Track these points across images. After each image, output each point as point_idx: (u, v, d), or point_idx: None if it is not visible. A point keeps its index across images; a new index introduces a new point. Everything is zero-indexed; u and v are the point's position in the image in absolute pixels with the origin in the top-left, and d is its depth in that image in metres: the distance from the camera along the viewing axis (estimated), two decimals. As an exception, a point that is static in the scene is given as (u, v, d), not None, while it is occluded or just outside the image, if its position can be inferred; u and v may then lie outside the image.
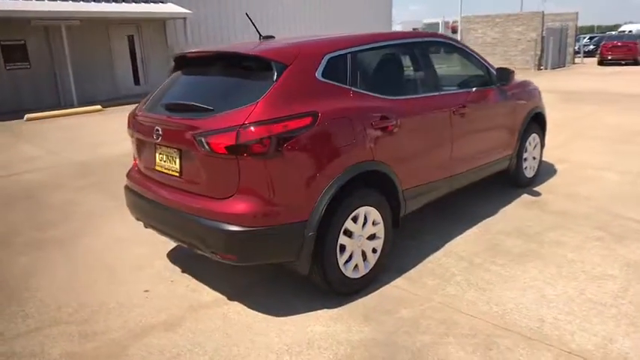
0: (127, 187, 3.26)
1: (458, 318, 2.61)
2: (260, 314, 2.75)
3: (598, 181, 4.91)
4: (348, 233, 2.76)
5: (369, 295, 2.88)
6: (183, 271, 3.33)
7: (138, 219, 3.20)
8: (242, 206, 2.44)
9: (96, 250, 3.77)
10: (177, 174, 2.75)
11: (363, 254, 2.89)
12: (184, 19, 15.79)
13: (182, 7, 16.02)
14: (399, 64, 3.38)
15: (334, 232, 2.66)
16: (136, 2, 15.53)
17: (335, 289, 2.78)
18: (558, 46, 22.48)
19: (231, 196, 2.48)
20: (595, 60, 24.02)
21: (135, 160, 3.31)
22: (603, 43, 23.77)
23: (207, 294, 3.02)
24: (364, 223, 2.84)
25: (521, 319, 2.57)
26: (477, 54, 4.04)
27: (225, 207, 2.48)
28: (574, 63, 24.83)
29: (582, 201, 4.34)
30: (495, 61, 23.25)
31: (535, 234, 3.65)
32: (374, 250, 2.96)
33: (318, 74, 2.69)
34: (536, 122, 4.67)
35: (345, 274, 2.78)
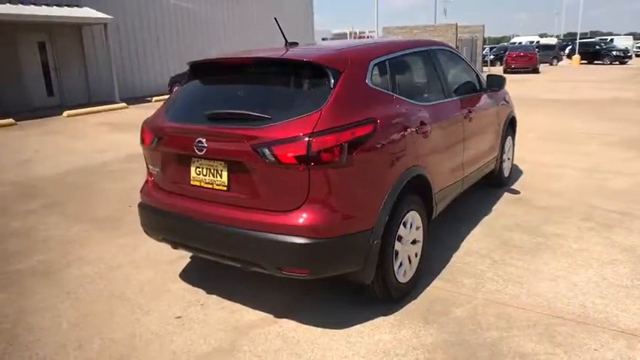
0: (144, 206, 3.01)
1: (510, 312, 2.77)
2: (317, 329, 2.69)
3: (561, 177, 5.46)
4: (399, 239, 2.81)
5: (417, 299, 2.94)
6: (208, 293, 3.14)
7: (163, 239, 2.97)
8: (314, 217, 2.38)
9: (93, 280, 3.41)
10: (224, 188, 2.60)
11: (409, 259, 2.95)
12: (104, 25, 14.79)
13: (101, 12, 14.99)
14: (424, 70, 3.52)
15: (392, 239, 2.69)
16: (47, 5, 14.24)
17: (392, 296, 2.81)
18: (470, 56, 24.52)
19: (299, 207, 2.40)
20: (497, 68, 26.63)
21: (150, 175, 3.07)
22: (508, 52, 26.42)
23: (249, 313, 2.88)
24: (410, 228, 2.91)
25: (566, 306, 2.80)
26: (469, 62, 4.33)
27: (294, 219, 2.40)
28: (482, 72, 27.27)
29: (558, 196, 4.80)
30: (415, 70, 24.73)
31: (535, 228, 3.98)
32: (415, 255, 3.03)
33: (367, 80, 2.72)
34: (511, 125, 5.09)
35: (398, 279, 2.82)
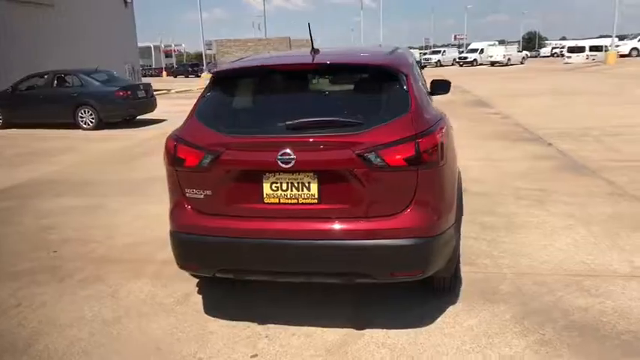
0: (189, 238, 2.61)
1: (541, 279, 3.26)
2: (408, 330, 2.74)
3: (471, 168, 6.43)
4: (456, 230, 3.05)
5: (462, 285, 3.22)
6: (261, 323, 2.87)
7: (221, 272, 2.62)
8: (422, 217, 2.45)
9: (100, 344, 2.77)
10: (313, 201, 2.46)
11: (453, 249, 3.21)
12: None
13: None
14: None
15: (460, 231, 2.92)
16: None
17: (453, 287, 3.02)
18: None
19: (405, 209, 2.44)
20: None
21: (187, 201, 2.66)
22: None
23: (327, 333, 2.75)
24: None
25: (573, 266, 3.42)
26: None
27: (403, 221, 2.42)
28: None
29: (483, 183, 5.67)
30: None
31: (492, 211, 4.66)
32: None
33: (419, 82, 2.90)
34: None
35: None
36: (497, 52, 48.64)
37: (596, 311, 2.84)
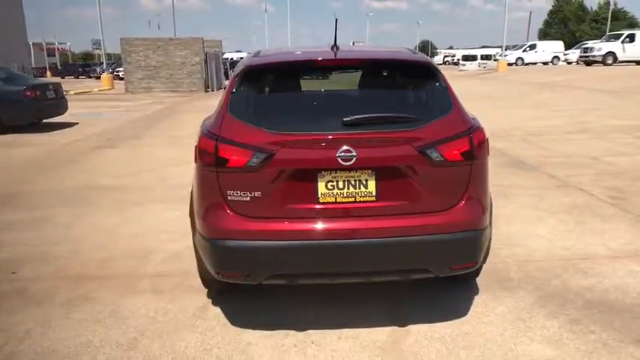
0: (234, 245, 2.44)
1: (543, 265, 3.54)
2: (449, 322, 2.82)
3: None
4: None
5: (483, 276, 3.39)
6: (300, 330, 2.77)
7: (272, 277, 2.49)
8: (475, 210, 2.55)
9: (126, 368, 2.48)
10: (371, 199, 2.44)
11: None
12: None
13: None
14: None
15: None
16: None
17: (475, 277, 3.17)
18: (216, 70, 25.48)
19: (459, 203, 2.52)
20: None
21: (228, 206, 2.48)
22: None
23: (371, 333, 2.74)
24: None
25: (565, 251, 3.77)
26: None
27: (459, 215, 2.50)
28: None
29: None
30: (162, 85, 24.06)
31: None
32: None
33: None
34: None
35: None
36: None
37: (601, 290, 3.17)
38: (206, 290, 3.25)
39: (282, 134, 2.41)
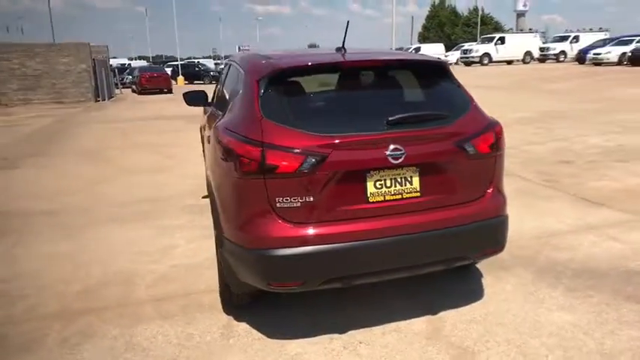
0: (291, 251, 2.40)
1: (522, 244, 3.95)
2: (474, 305, 3.04)
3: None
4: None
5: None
6: (342, 332, 2.80)
7: (328, 282, 2.50)
8: (500, 198, 2.81)
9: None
10: (416, 194, 2.56)
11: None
12: None
13: None
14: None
15: None
16: None
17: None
18: (105, 77, 23.65)
19: (487, 192, 2.75)
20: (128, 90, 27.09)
21: (275, 213, 2.43)
22: (141, 74, 26.88)
23: (411, 325, 2.87)
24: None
25: (532, 230, 4.23)
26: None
27: (490, 203, 2.74)
28: (120, 93, 26.90)
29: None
30: (44, 95, 21.79)
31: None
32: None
33: None
34: None
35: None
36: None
37: (580, 260, 3.64)
38: (220, 307, 3.12)
39: (331, 137, 2.43)
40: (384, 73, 2.91)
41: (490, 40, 33.26)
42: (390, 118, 2.52)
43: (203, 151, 5.25)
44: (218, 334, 2.85)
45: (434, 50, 40.23)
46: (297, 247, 2.42)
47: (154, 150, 9.09)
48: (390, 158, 2.45)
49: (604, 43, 27.61)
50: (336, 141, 2.43)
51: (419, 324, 2.87)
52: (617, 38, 27.00)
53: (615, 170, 6.14)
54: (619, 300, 3.05)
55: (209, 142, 3.27)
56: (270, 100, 2.59)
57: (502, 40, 32.16)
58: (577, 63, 27.92)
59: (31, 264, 4.00)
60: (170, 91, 26.59)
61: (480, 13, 51.86)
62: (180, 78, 35.19)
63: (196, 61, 49.48)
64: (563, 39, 33.77)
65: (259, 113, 2.53)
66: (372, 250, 2.49)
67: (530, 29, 39.10)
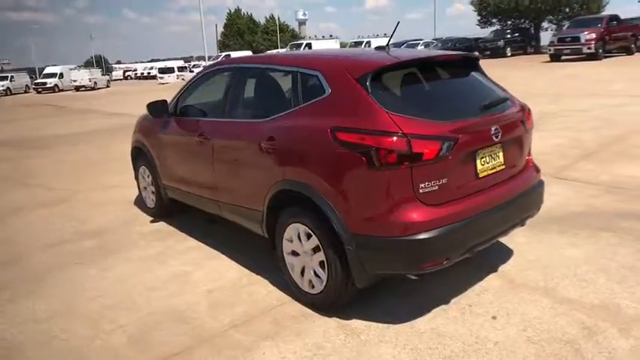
0: (439, 231, 2.64)
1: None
2: (501, 270, 3.68)
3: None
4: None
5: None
6: (388, 324, 3.12)
7: (465, 253, 2.81)
8: (536, 165, 3.48)
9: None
10: (502, 167, 3.05)
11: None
12: None
13: None
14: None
15: None
16: None
17: None
18: None
19: (529, 161, 3.40)
20: None
21: (415, 198, 2.63)
22: None
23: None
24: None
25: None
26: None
27: (535, 169, 3.40)
28: None
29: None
30: None
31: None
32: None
33: None
34: None
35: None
36: (83, 76, 47.28)
37: (550, 209, 4.61)
38: (309, 313, 3.11)
39: (453, 122, 2.74)
40: (456, 66, 3.34)
41: (298, 46, 35.90)
42: (485, 103, 2.97)
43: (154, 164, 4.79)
44: (343, 335, 2.86)
45: (242, 57, 41.35)
46: (441, 226, 2.65)
47: (19, 182, 7.48)
48: (493, 137, 2.89)
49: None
50: (459, 126, 2.76)
51: (495, 280, 3.36)
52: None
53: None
54: (603, 230, 4.06)
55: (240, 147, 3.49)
56: (383, 94, 2.77)
57: (309, 47, 35.06)
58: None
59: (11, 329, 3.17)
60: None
61: (278, 22, 55.15)
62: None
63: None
64: (298, 46, 37.13)
65: (381, 107, 2.68)
66: (488, 218, 2.89)
67: (330, 35, 43.55)
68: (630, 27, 22.14)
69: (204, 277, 3.78)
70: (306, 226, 3.00)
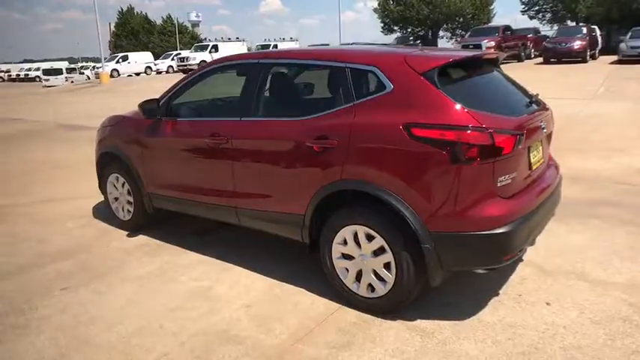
0: (518, 223, 2.72)
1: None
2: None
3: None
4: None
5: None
6: (449, 325, 3.22)
7: (521, 249, 2.89)
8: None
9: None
10: (542, 160, 3.24)
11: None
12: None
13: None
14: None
15: None
16: None
17: None
18: None
19: (550, 155, 3.64)
20: None
21: (495, 193, 2.68)
22: None
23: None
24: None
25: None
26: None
27: (556, 163, 3.64)
28: None
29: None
30: None
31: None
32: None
33: None
34: None
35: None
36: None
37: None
38: (367, 317, 3.02)
39: (518, 118, 2.85)
40: (494, 65, 3.43)
41: (204, 48, 34.77)
42: (529, 100, 3.14)
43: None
44: (419, 337, 2.81)
45: (142, 58, 39.11)
46: (517, 218, 2.73)
47: None
48: (543, 131, 3.05)
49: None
50: (523, 120, 2.88)
51: (526, 269, 3.53)
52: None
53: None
54: (591, 206, 4.47)
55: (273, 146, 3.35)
56: (450, 90, 2.78)
57: (216, 48, 34.12)
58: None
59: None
60: None
61: (176, 22, 52.89)
62: None
63: None
64: (203, 48, 36.07)
65: (448, 100, 2.70)
66: (543, 208, 3.03)
67: (237, 38, 42.73)
68: (520, 37, 24.74)
69: (229, 291, 3.49)
70: (369, 227, 2.90)
